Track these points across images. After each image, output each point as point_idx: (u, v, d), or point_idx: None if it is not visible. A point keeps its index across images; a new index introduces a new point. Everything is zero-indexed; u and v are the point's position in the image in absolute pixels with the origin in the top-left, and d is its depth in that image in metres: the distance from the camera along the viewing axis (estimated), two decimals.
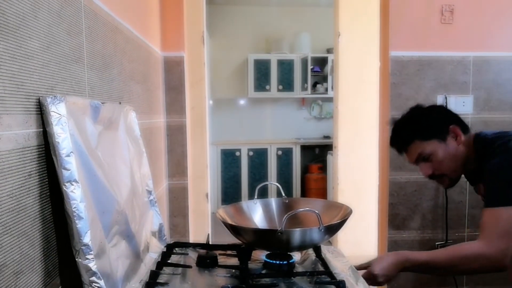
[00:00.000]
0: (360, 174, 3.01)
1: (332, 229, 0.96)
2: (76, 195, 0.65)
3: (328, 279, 0.89)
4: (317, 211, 0.88)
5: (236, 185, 4.62)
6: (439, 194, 1.89)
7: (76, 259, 0.66)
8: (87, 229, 0.66)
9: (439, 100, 1.87)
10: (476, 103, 1.87)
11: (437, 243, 1.89)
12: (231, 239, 1.06)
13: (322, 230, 0.89)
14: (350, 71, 3.02)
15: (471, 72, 1.83)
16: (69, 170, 0.65)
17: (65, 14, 0.78)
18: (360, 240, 2.86)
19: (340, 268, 0.98)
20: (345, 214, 1.01)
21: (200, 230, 2.08)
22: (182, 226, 1.90)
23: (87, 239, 0.66)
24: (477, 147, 1.15)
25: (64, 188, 0.65)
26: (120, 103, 1.11)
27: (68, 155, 0.66)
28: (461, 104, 1.89)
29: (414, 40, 1.87)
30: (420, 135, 1.18)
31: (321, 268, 0.98)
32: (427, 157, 1.17)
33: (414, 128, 1.20)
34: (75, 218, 0.65)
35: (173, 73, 1.87)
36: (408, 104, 1.91)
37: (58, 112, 0.66)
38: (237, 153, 4.62)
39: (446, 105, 1.84)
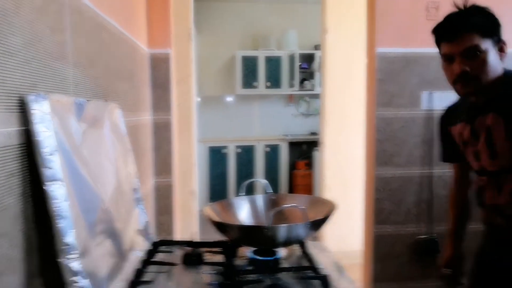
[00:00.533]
0: (346, 170, 3.04)
1: (317, 225, 0.97)
2: (60, 194, 0.65)
3: (313, 274, 0.90)
4: (302, 207, 0.89)
5: (223, 182, 4.62)
6: (424, 189, 1.92)
7: (60, 259, 0.65)
8: (70, 228, 0.65)
9: (424, 96, 1.90)
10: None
11: (417, 237, 1.92)
12: (217, 237, 1.06)
13: (308, 225, 0.90)
14: (337, 68, 3.05)
15: None
16: (53, 168, 0.65)
17: (48, 10, 0.77)
18: (346, 235, 2.90)
19: (325, 263, 0.99)
20: (331, 209, 1.02)
21: (186, 228, 2.08)
22: (168, 224, 1.90)
23: (70, 238, 0.65)
24: (504, 77, 1.11)
25: (47, 187, 0.64)
26: (105, 100, 1.10)
27: (51, 154, 0.65)
28: (446, 100, 1.91)
29: (400, 36, 1.89)
30: (483, 28, 1.09)
31: (306, 264, 0.99)
32: (475, 53, 1.08)
33: (481, 20, 1.10)
34: (58, 217, 0.64)
35: (160, 70, 1.86)
36: (393, 100, 1.93)
37: (41, 110, 0.66)
38: (225, 150, 4.61)
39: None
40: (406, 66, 1.89)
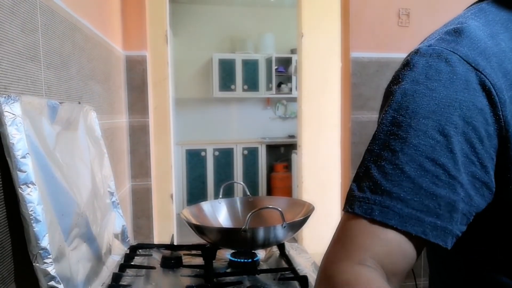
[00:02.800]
0: (323, 172, 3.08)
1: (295, 226, 0.98)
2: (33, 197, 0.63)
3: (292, 275, 0.91)
4: (280, 209, 0.90)
5: (201, 185, 4.59)
6: None
7: (34, 264, 0.64)
8: (45, 232, 0.64)
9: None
10: None
11: None
12: (196, 240, 1.05)
13: (285, 227, 0.91)
14: (313, 72, 3.08)
15: None
16: (25, 172, 0.63)
17: (19, 10, 0.75)
18: (325, 237, 2.93)
19: (304, 264, 1.00)
20: (308, 211, 1.03)
21: (165, 231, 2.06)
22: (146, 227, 1.87)
23: (45, 242, 0.64)
24: None
25: (20, 190, 0.63)
26: (79, 102, 1.08)
27: (23, 157, 0.63)
28: None
29: (373, 42, 1.94)
30: None
31: (284, 265, 0.99)
32: None
33: None
34: (32, 221, 0.63)
35: (136, 72, 1.84)
36: (368, 104, 1.98)
37: (12, 112, 0.64)
38: (203, 153, 4.59)
39: None
40: (380, 71, 1.93)
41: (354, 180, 0.50)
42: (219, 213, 1.15)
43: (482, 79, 0.46)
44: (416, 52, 0.51)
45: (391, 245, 0.44)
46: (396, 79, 0.51)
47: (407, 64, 0.51)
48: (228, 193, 3.60)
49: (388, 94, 0.52)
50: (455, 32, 0.50)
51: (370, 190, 0.46)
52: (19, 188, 0.63)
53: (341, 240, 0.47)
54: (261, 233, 0.93)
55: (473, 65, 0.47)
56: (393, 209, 0.44)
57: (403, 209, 0.44)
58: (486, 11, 0.52)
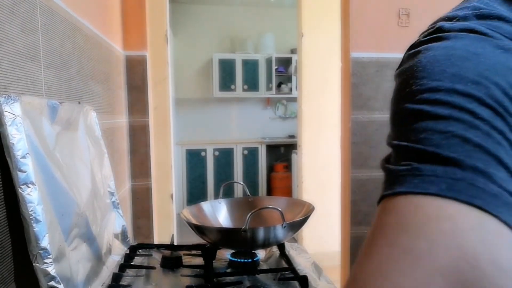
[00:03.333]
0: (323, 172, 3.08)
1: (295, 226, 0.98)
2: (33, 197, 0.63)
3: (292, 275, 0.91)
4: (280, 209, 0.90)
5: (201, 185, 4.59)
6: None
7: (34, 264, 0.64)
8: (45, 232, 0.64)
9: None
10: None
11: None
12: (196, 240, 1.06)
13: (285, 227, 0.91)
14: (313, 72, 3.09)
15: None
16: (25, 172, 0.63)
17: (19, 10, 0.75)
18: (324, 237, 2.93)
19: (304, 264, 1.00)
20: (308, 211, 1.03)
21: (165, 231, 2.06)
22: (146, 227, 1.87)
23: (45, 242, 0.64)
24: None
25: (20, 190, 0.63)
26: (79, 103, 1.08)
27: (24, 157, 0.63)
28: None
29: (373, 42, 1.93)
30: None
31: (284, 265, 0.99)
32: None
33: None
34: (32, 221, 0.63)
35: (136, 72, 1.84)
36: (368, 104, 1.97)
37: (12, 112, 0.64)
38: (203, 153, 4.59)
39: None
40: (380, 71, 1.93)
41: (385, 168, 0.34)
42: (219, 213, 1.15)
43: None
44: (437, 29, 0.39)
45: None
46: (412, 54, 0.39)
47: (427, 41, 0.38)
48: (228, 193, 3.59)
49: (403, 71, 0.39)
50: (481, 16, 0.39)
51: (418, 162, 0.31)
52: (19, 188, 0.63)
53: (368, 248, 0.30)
54: (261, 233, 0.93)
55: None
56: (473, 183, 0.29)
57: (488, 184, 0.29)
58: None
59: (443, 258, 0.26)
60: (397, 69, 0.42)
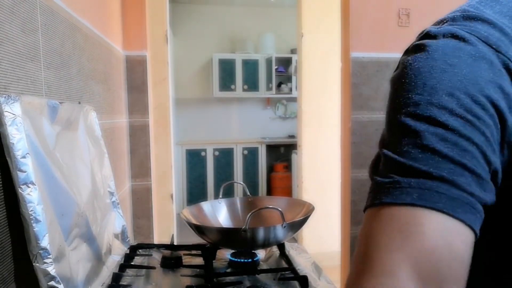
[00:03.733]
0: (323, 172, 3.08)
1: (295, 226, 0.98)
2: (33, 197, 0.63)
3: (292, 275, 0.91)
4: (280, 209, 0.90)
5: (201, 185, 4.59)
6: None
7: (34, 264, 0.64)
8: (45, 232, 0.64)
9: None
10: None
11: None
12: (196, 240, 1.06)
13: (285, 227, 0.91)
14: (313, 72, 3.09)
15: None
16: (25, 172, 0.63)
17: (19, 10, 0.75)
18: (324, 236, 2.93)
19: (304, 264, 1.00)
20: (308, 211, 1.03)
21: (165, 231, 2.06)
22: (146, 227, 1.87)
23: (45, 242, 0.64)
24: None
25: (20, 190, 0.63)
26: (79, 102, 1.08)
27: (23, 157, 0.63)
28: None
29: (373, 42, 1.93)
30: None
31: (284, 265, 0.99)
32: None
33: None
34: (32, 221, 0.63)
35: (136, 72, 1.84)
36: (368, 104, 1.97)
37: (12, 112, 0.64)
38: (203, 153, 4.59)
39: None
40: (379, 71, 1.93)
41: (373, 178, 0.43)
42: (219, 213, 1.15)
43: (506, 62, 0.40)
44: (426, 34, 0.45)
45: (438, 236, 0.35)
46: (403, 64, 0.45)
47: (415, 48, 0.45)
48: (228, 193, 3.59)
49: (395, 81, 0.46)
50: (467, 17, 0.44)
51: (399, 175, 0.38)
52: (19, 188, 0.63)
53: (361, 250, 0.38)
54: (261, 233, 0.93)
55: (494, 47, 0.41)
56: (438, 190, 0.36)
57: (450, 189, 0.36)
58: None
59: (411, 252, 0.35)
60: (393, 72, 0.48)
